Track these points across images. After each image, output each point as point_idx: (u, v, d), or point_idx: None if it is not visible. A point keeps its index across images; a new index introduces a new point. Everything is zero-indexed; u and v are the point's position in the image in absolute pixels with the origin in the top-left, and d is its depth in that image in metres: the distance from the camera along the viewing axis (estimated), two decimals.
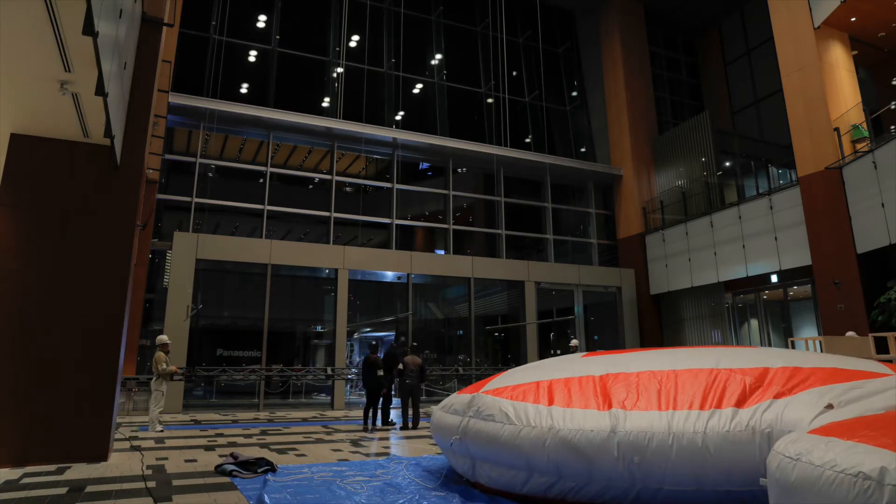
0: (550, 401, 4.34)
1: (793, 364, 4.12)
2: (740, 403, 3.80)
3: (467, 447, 4.72)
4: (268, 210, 14.75)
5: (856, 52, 14.35)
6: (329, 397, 14.04)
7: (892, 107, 13.23)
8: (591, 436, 3.90)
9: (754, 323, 16.25)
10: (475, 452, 4.65)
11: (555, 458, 4.03)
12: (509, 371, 5.58)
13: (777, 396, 3.76)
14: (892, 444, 2.30)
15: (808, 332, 14.97)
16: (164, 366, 9.37)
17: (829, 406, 3.39)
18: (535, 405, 4.33)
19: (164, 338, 9.80)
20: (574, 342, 13.63)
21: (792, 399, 3.68)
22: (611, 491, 3.95)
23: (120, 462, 6.32)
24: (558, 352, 17.38)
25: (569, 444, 3.96)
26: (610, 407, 4.08)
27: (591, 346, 18.03)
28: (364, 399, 10.17)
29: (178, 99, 13.61)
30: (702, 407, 3.83)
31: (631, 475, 3.81)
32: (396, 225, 16.15)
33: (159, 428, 9.07)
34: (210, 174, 14.86)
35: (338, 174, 16.03)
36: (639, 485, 3.82)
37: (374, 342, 12.49)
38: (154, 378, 9.37)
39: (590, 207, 19.58)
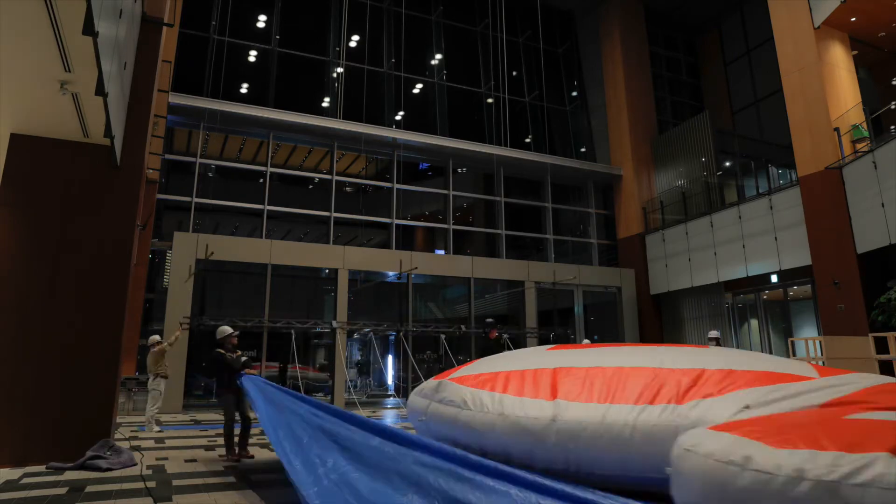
0: (505, 390, 4.70)
1: (729, 367, 4.41)
2: (671, 401, 4.09)
3: (431, 428, 5.07)
4: (268, 210, 14.74)
5: (856, 52, 14.35)
6: (329, 397, 14.04)
7: (892, 107, 13.22)
8: (534, 423, 4.25)
9: (754, 323, 16.25)
10: (437, 433, 4.98)
11: (503, 442, 4.37)
12: (479, 360, 5.93)
13: (706, 396, 4.03)
14: (763, 437, 2.79)
15: (808, 332, 14.97)
16: (170, 343, 9.75)
17: (747, 407, 3.72)
18: (489, 393, 4.70)
19: (156, 338, 9.76)
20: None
21: (718, 399, 3.96)
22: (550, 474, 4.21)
23: None
24: None
25: (515, 429, 4.31)
26: (555, 397, 4.39)
27: None
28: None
29: (178, 99, 13.60)
30: (636, 402, 4.12)
31: (567, 460, 4.13)
32: (396, 225, 16.15)
33: (157, 428, 9.04)
34: (210, 174, 14.86)
35: (338, 174, 16.02)
36: (573, 468, 4.14)
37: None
38: (150, 378, 9.34)
39: (590, 207, 19.58)
